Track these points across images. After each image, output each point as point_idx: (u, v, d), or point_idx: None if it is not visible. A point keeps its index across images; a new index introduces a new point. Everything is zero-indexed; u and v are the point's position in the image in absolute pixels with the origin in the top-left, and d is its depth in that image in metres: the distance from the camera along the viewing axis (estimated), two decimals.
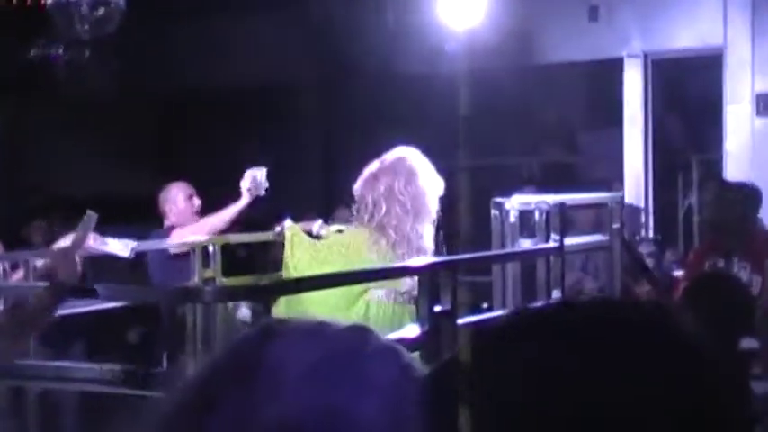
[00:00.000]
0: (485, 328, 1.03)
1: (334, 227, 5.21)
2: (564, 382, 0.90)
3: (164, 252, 6.11)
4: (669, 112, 8.45)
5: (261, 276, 5.65)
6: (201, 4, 9.00)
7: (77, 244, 3.52)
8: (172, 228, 6.35)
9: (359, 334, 1.14)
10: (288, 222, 4.83)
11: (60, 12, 6.40)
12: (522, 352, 0.93)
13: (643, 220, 7.96)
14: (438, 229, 5.94)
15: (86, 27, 6.42)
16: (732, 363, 3.51)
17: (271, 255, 6.36)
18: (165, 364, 4.88)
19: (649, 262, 6.57)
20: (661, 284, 6.00)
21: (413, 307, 4.33)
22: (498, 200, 5.05)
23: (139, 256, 5.46)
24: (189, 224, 6.22)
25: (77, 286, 3.35)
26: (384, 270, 4.34)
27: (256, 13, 9.06)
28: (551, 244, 4.69)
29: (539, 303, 4.64)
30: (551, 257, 4.67)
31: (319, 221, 5.25)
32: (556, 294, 4.62)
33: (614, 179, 8.35)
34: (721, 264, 5.31)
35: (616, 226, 5.60)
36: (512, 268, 4.88)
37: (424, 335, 3.74)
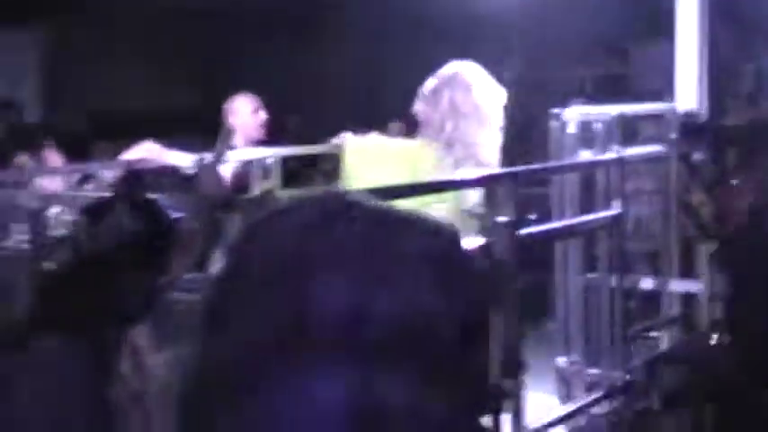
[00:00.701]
0: None
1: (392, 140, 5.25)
2: None
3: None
4: (723, 23, 8.35)
5: (319, 187, 5.72)
6: None
7: (218, 158, 3.60)
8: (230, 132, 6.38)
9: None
10: (347, 134, 4.89)
11: None
12: None
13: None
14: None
15: None
16: None
17: (328, 167, 6.42)
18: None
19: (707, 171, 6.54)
20: (716, 195, 5.99)
21: (476, 222, 4.38)
22: (556, 111, 5.06)
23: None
24: (254, 136, 6.25)
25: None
26: (445, 182, 4.37)
27: None
28: (611, 155, 4.71)
29: (597, 214, 4.68)
30: (611, 168, 4.69)
31: (374, 134, 5.29)
32: (615, 205, 4.65)
33: (666, 91, 8.29)
34: None
35: (673, 136, 5.61)
36: (570, 179, 4.91)
37: (486, 246, 3.79)
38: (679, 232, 5.53)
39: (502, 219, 3.79)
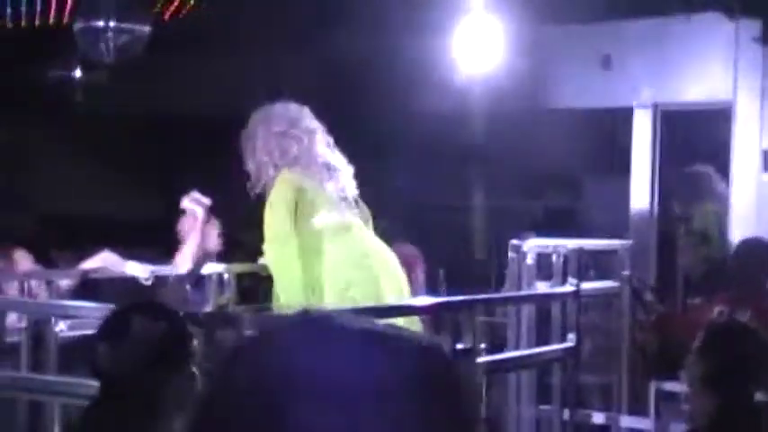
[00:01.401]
0: None
1: None
2: None
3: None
4: (676, 163, 8.56)
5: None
6: (215, 38, 9.08)
7: (191, 274, 3.69)
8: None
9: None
10: None
11: (86, 35, 6.49)
12: None
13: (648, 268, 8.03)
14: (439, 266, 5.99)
15: (110, 52, 6.50)
16: (748, 413, 3.58)
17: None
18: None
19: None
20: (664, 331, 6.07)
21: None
22: (515, 242, 5.13)
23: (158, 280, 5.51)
24: (211, 248, 6.20)
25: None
26: (398, 307, 4.39)
27: (272, 48, 9.14)
28: (568, 288, 4.77)
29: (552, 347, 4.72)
30: (568, 301, 4.75)
31: None
32: (571, 337, 4.68)
33: (617, 227, 8.43)
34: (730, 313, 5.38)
35: (626, 273, 5.70)
36: (527, 310, 4.96)
37: None
38: (630, 367, 5.58)
39: (461, 346, 3.81)
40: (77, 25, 6.55)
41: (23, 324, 4.51)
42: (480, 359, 3.94)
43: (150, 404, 2.70)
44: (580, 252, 4.87)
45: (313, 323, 1.09)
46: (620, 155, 8.68)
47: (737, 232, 7.01)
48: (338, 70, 9.01)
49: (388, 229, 6.13)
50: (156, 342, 2.73)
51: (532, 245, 5.08)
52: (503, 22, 7.03)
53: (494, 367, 4.28)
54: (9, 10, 8.04)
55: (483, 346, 5.31)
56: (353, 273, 4.71)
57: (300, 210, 4.80)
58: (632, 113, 8.23)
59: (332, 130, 5.25)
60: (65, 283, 5.13)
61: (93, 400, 2.81)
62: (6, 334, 3.93)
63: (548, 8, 7.68)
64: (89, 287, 5.31)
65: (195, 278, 4.13)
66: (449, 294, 5.89)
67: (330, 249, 4.77)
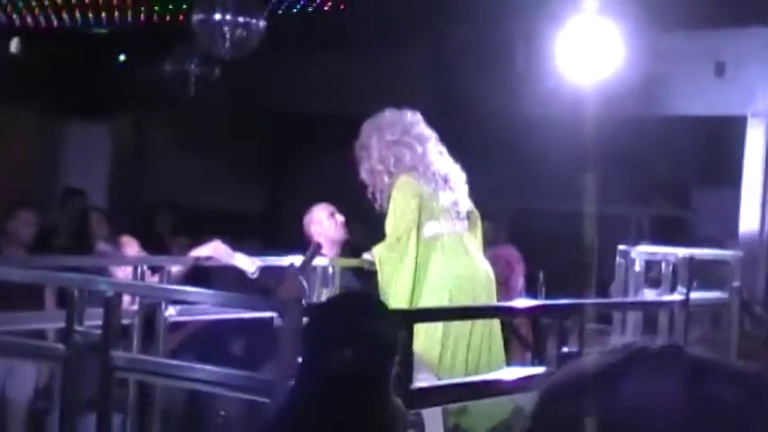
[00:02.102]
0: None
1: None
2: None
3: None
4: None
5: None
6: (327, 37, 9.14)
7: (304, 267, 3.79)
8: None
9: None
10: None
11: (204, 29, 6.59)
12: None
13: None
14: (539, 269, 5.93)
15: (227, 46, 6.58)
16: None
17: None
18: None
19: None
20: None
21: None
22: (623, 248, 5.08)
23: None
24: (337, 239, 6.23)
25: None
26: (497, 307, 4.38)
27: (382, 47, 9.19)
28: (677, 296, 4.70)
29: None
30: (675, 310, 4.68)
31: None
32: None
33: (726, 238, 8.28)
34: None
35: (736, 284, 5.59)
36: (633, 317, 4.90)
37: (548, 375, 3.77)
38: None
39: (566, 350, 3.79)
40: (196, 17, 6.65)
41: (135, 307, 4.63)
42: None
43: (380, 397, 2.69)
44: (690, 261, 4.79)
45: (633, 357, 1.01)
46: (731, 164, 8.52)
47: None
48: (449, 71, 9.02)
49: (489, 232, 6.12)
50: (393, 340, 2.72)
51: (641, 251, 5.01)
52: (617, 26, 6.96)
53: None
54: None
55: (590, 351, 5.30)
56: (454, 288, 4.73)
57: (419, 217, 4.84)
58: (746, 123, 8.07)
59: (442, 129, 5.26)
60: (176, 269, 5.23)
61: (298, 399, 2.73)
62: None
63: (661, 13, 7.57)
64: (199, 274, 5.41)
65: (308, 271, 4.18)
66: (547, 298, 5.86)
67: (437, 259, 4.78)
